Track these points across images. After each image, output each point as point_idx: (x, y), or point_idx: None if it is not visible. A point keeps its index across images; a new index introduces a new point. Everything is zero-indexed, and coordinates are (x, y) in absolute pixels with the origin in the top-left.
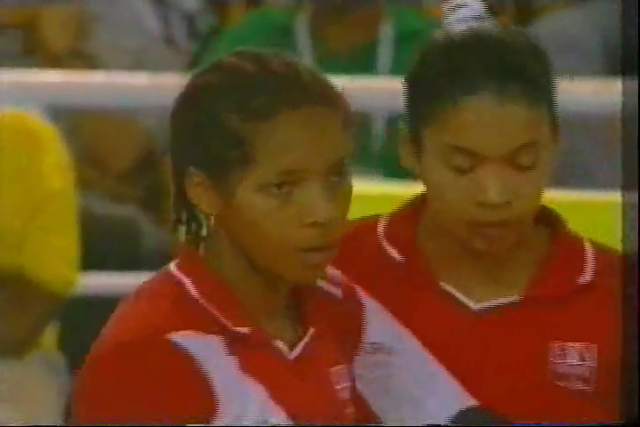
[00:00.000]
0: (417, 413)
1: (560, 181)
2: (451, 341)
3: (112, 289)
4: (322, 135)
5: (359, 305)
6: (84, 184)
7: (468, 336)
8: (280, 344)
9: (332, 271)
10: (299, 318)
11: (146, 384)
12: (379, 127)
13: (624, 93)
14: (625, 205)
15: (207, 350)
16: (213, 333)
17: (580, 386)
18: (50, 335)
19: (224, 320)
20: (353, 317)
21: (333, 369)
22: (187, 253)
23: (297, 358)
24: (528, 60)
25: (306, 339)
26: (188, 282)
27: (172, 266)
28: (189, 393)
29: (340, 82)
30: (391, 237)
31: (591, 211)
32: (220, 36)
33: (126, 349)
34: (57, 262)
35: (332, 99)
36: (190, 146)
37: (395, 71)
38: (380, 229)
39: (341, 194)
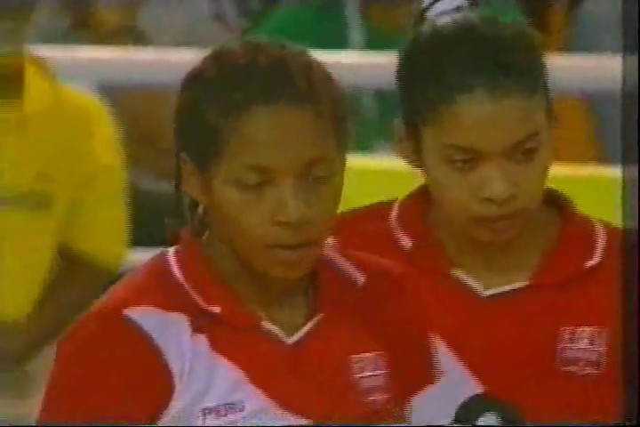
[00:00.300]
0: (425, 400)
1: (609, 158)
2: (460, 327)
3: None
4: (295, 134)
5: (394, 291)
6: (133, 161)
7: (477, 322)
8: (273, 328)
9: (362, 255)
10: (312, 304)
11: (95, 358)
12: None
13: (624, 70)
14: (625, 183)
15: (165, 326)
16: (182, 311)
17: (588, 370)
18: None
19: (197, 299)
20: (381, 303)
21: (357, 356)
22: (185, 238)
23: (297, 344)
24: (518, 50)
25: (309, 324)
26: (174, 263)
27: (171, 249)
28: (138, 367)
29: (389, 58)
30: (403, 223)
31: None
32: (270, 13)
33: (83, 323)
34: (106, 237)
35: (318, 97)
36: (181, 132)
37: None
38: (394, 214)
39: (322, 193)
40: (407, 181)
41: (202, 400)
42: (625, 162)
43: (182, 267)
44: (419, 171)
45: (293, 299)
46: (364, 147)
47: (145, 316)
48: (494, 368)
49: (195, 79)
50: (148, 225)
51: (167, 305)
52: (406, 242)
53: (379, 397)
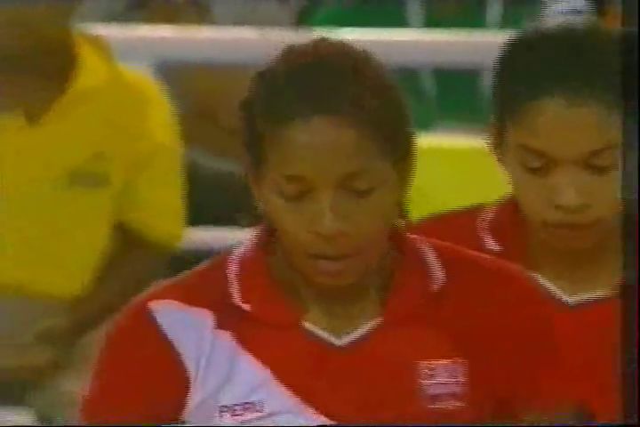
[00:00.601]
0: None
1: None
2: None
3: (218, 244)
4: (334, 147)
5: (483, 293)
6: (195, 139)
7: (558, 330)
8: (315, 329)
9: (456, 251)
10: (383, 305)
11: (118, 348)
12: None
13: (623, 46)
14: (625, 163)
15: (183, 321)
16: (210, 306)
17: None
18: None
19: (235, 295)
20: (466, 305)
21: (425, 362)
22: (256, 232)
23: (348, 346)
24: (609, 62)
25: (365, 328)
26: (235, 257)
27: (245, 242)
28: (152, 360)
29: (447, 36)
30: (492, 227)
31: None
32: None
33: (120, 312)
34: (162, 217)
35: (364, 108)
36: (242, 130)
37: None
38: (482, 219)
39: (363, 206)
40: (465, 160)
41: (217, 397)
42: (625, 146)
43: (240, 261)
44: (504, 171)
45: (366, 297)
46: (422, 126)
47: (163, 309)
48: (572, 374)
49: (258, 79)
50: (207, 203)
51: (194, 300)
52: (493, 245)
53: (449, 405)
